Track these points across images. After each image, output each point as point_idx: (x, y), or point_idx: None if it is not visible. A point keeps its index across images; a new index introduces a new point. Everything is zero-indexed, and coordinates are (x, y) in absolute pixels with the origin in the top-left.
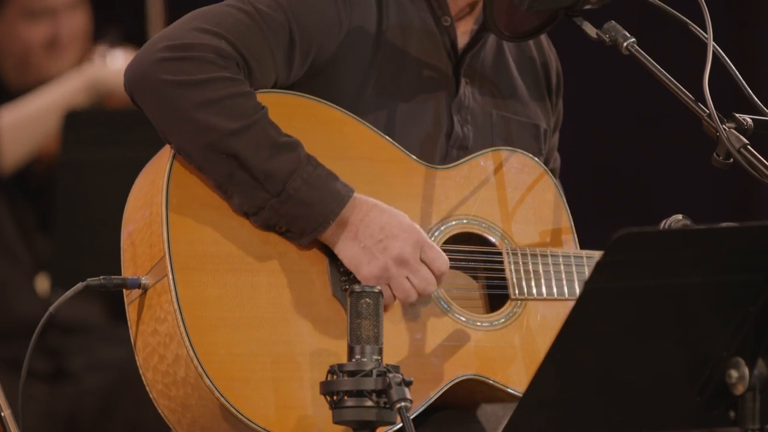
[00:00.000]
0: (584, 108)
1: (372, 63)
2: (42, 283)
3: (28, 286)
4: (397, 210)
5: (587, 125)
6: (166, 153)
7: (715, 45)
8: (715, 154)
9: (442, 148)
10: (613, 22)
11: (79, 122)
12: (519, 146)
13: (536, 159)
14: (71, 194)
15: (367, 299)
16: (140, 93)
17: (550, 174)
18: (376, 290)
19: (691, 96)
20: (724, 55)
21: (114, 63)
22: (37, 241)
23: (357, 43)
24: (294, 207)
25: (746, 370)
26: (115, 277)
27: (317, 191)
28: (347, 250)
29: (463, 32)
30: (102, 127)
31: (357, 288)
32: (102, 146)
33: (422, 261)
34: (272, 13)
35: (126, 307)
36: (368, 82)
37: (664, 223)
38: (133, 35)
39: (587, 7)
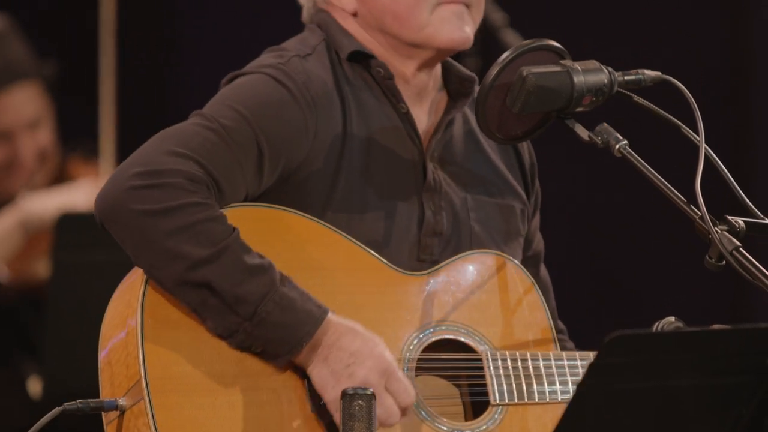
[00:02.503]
0: (579, 207)
1: (340, 163)
2: (34, 386)
3: (18, 388)
4: (371, 335)
5: (582, 225)
6: (140, 272)
7: (707, 147)
8: (707, 257)
9: (414, 237)
10: (605, 124)
11: (72, 225)
12: (497, 229)
13: (514, 260)
14: (64, 296)
15: (360, 401)
16: (111, 222)
17: (528, 274)
18: (369, 392)
19: (683, 198)
20: (716, 157)
21: (48, 200)
22: (29, 344)
23: (324, 147)
24: (267, 330)
25: None
26: (93, 400)
27: (290, 314)
28: (317, 372)
29: (424, 118)
30: (96, 230)
31: (349, 390)
32: (95, 249)
33: (388, 391)
34: (238, 128)
35: (105, 427)
36: (338, 183)
37: (657, 326)
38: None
39: (579, 109)
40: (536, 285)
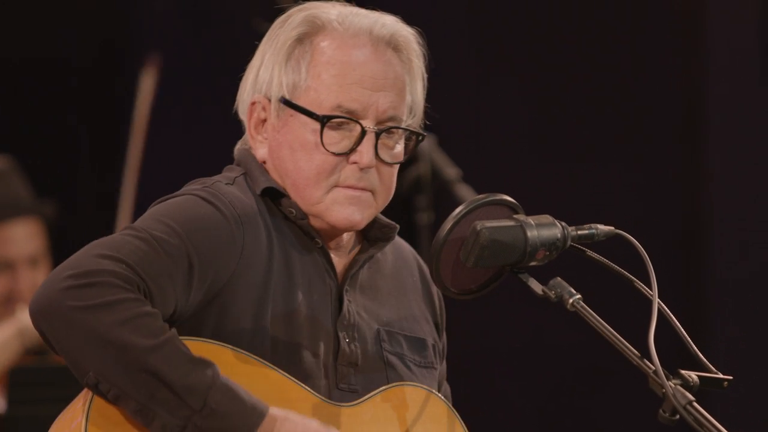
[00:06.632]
0: (531, 360)
1: (266, 286)
2: None
3: None
4: (309, 420)
5: (533, 376)
6: (78, 405)
7: (660, 302)
8: (661, 411)
9: (331, 368)
10: (558, 278)
11: (22, 379)
12: (411, 360)
13: (439, 395)
14: None
15: None
16: (49, 323)
17: (453, 409)
18: None
19: (636, 353)
20: (669, 312)
21: None
22: None
23: (251, 266)
24: (217, 421)
25: None
26: None
27: (239, 403)
28: None
29: (340, 252)
30: (46, 384)
31: None
32: (47, 403)
33: None
34: (168, 239)
35: None
36: (265, 306)
37: None
38: None
39: (533, 263)
40: (460, 419)
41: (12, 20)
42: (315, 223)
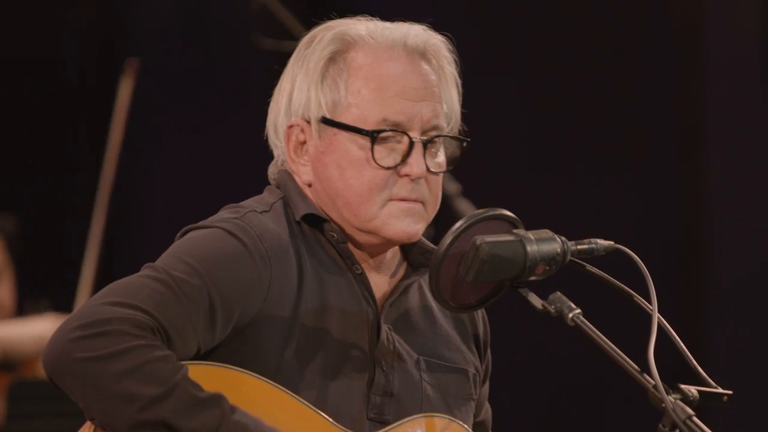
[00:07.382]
0: (531, 374)
1: (294, 319)
2: None
3: None
4: None
5: (533, 390)
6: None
7: (660, 316)
8: (660, 425)
9: (363, 396)
10: (558, 293)
11: (22, 394)
12: (449, 392)
13: (465, 426)
14: None
15: None
16: (59, 375)
17: None
18: None
19: (636, 367)
20: (669, 326)
21: (15, 328)
22: None
23: (279, 299)
24: None
25: None
26: None
27: None
28: None
29: (380, 280)
30: (46, 399)
31: None
32: (46, 417)
33: None
34: (189, 280)
35: None
36: (292, 339)
37: None
38: (61, 305)
39: (532, 278)
40: None
41: (12, 20)
42: (364, 239)
